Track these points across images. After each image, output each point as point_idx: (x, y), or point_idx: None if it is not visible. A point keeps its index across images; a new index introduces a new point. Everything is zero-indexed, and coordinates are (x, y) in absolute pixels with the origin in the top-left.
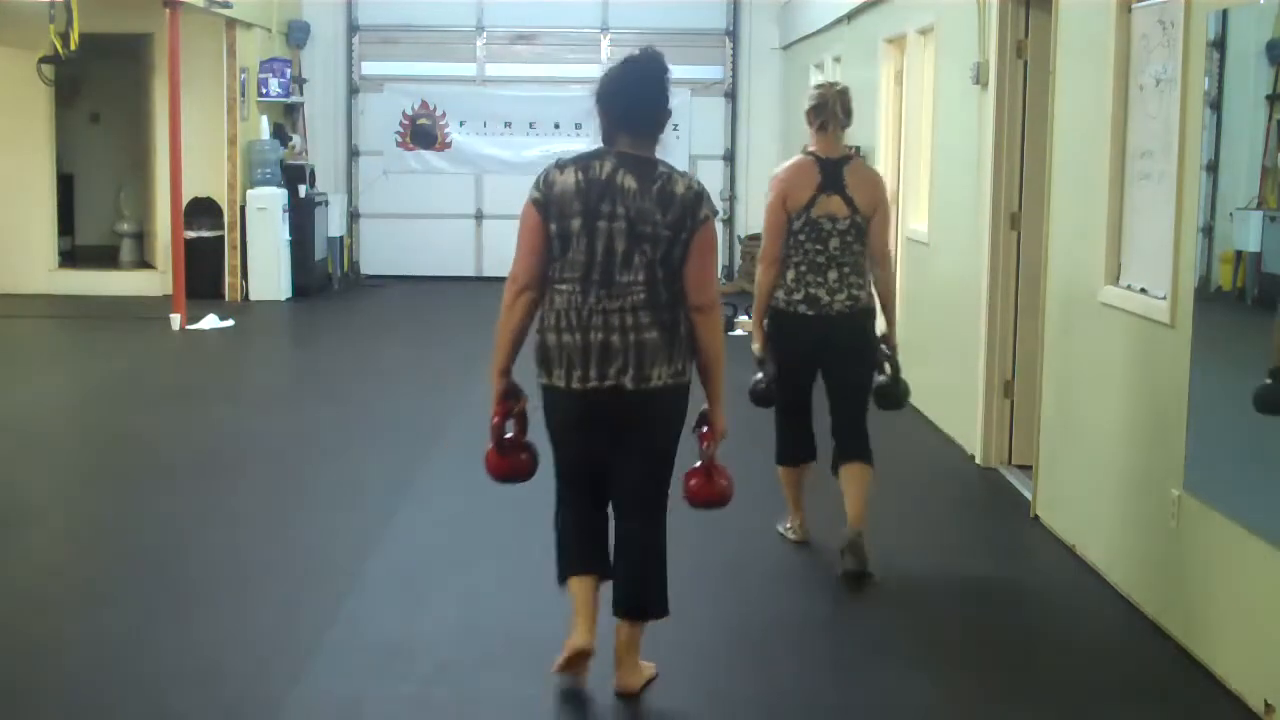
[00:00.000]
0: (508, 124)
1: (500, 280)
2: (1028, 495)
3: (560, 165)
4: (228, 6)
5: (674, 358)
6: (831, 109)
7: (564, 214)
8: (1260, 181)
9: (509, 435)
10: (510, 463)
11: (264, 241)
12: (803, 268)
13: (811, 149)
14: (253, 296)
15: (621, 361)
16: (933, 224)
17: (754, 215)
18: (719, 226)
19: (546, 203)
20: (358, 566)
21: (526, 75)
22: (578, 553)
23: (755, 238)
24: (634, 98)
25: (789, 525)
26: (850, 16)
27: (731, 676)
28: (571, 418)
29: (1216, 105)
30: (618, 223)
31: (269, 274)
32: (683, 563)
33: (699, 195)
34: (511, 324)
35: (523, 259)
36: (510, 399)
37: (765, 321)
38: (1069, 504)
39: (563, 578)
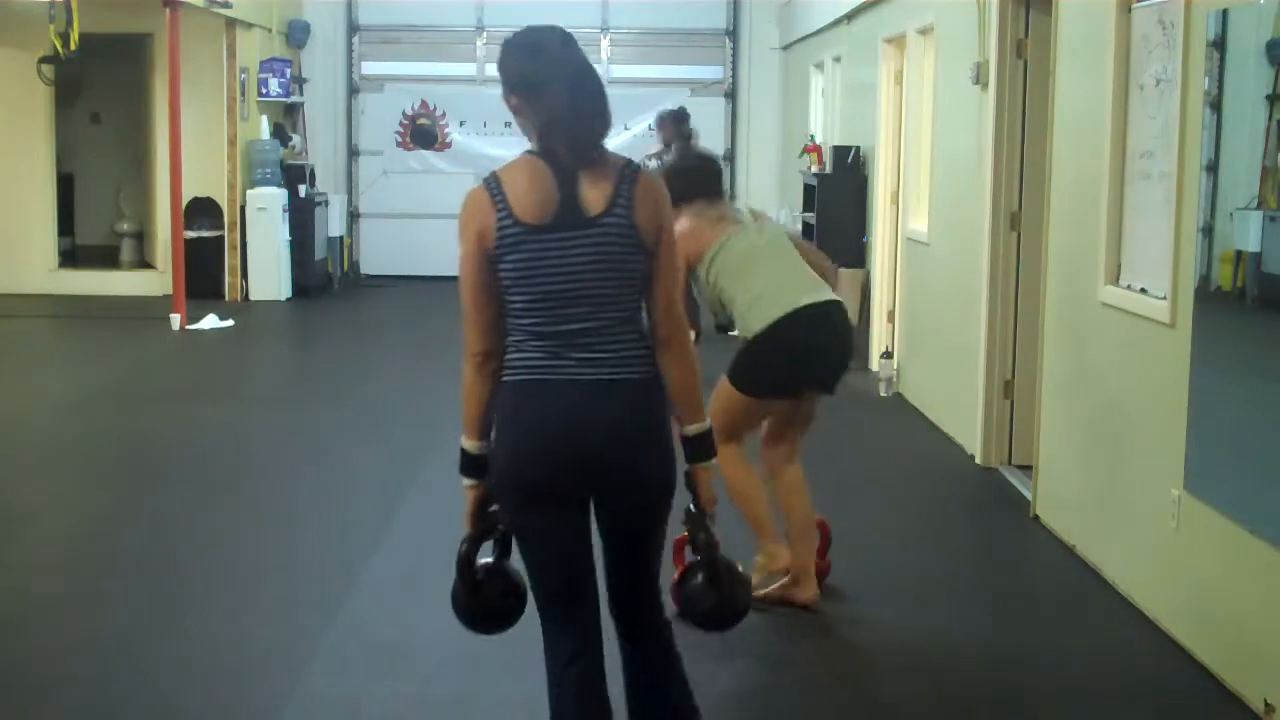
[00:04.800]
0: (508, 124)
1: None
2: (1028, 495)
3: None
4: (228, 6)
5: None
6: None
7: None
8: (1260, 181)
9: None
10: None
11: (264, 241)
12: None
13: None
14: (253, 296)
15: None
16: (933, 224)
17: None
18: None
19: None
20: (357, 566)
21: None
22: None
23: None
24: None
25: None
26: (850, 16)
27: (729, 679)
28: None
29: (1216, 105)
30: None
31: (269, 274)
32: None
33: None
34: None
35: None
36: None
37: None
38: (1069, 504)
39: None
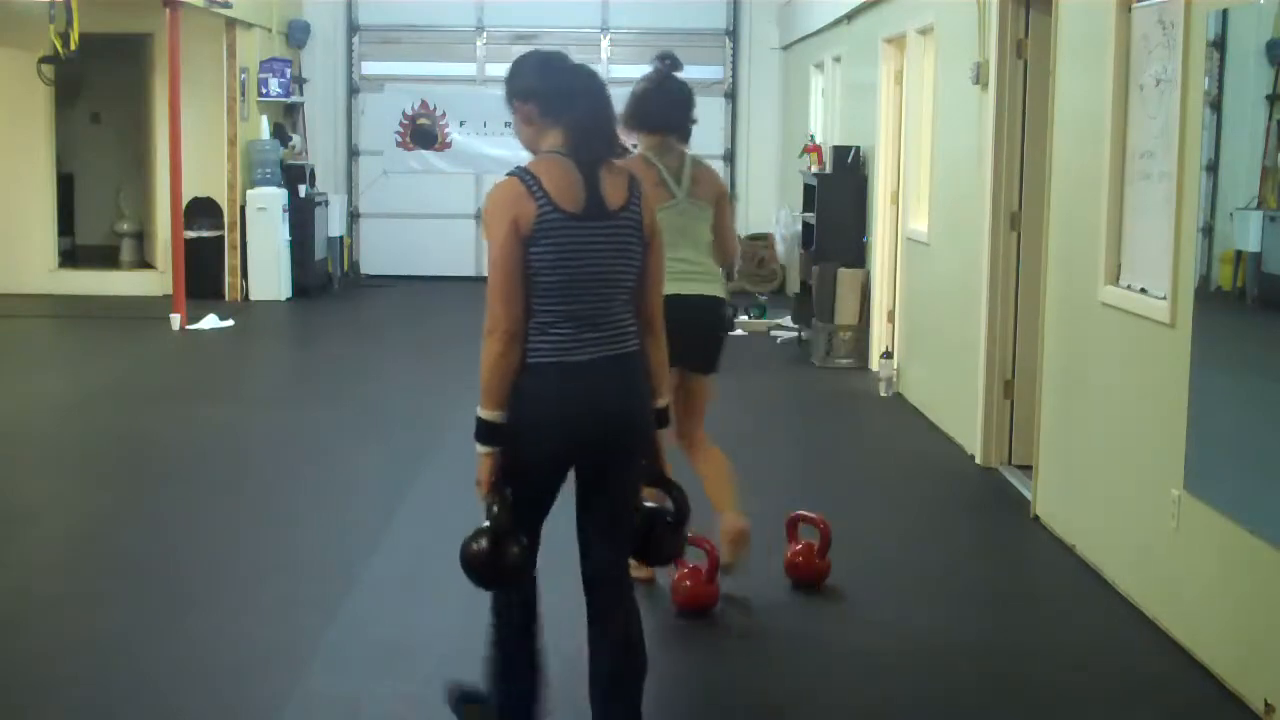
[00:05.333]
0: (508, 124)
1: None
2: (1028, 495)
3: None
4: (228, 6)
5: None
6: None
7: None
8: (1260, 181)
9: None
10: None
11: (264, 241)
12: None
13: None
14: (253, 296)
15: None
16: (933, 224)
17: (754, 215)
18: None
19: None
20: (357, 566)
21: None
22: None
23: (755, 238)
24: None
25: None
26: (850, 16)
27: (730, 679)
28: None
29: (1216, 105)
30: None
31: (269, 274)
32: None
33: None
34: None
35: None
36: None
37: None
38: (1069, 504)
39: None
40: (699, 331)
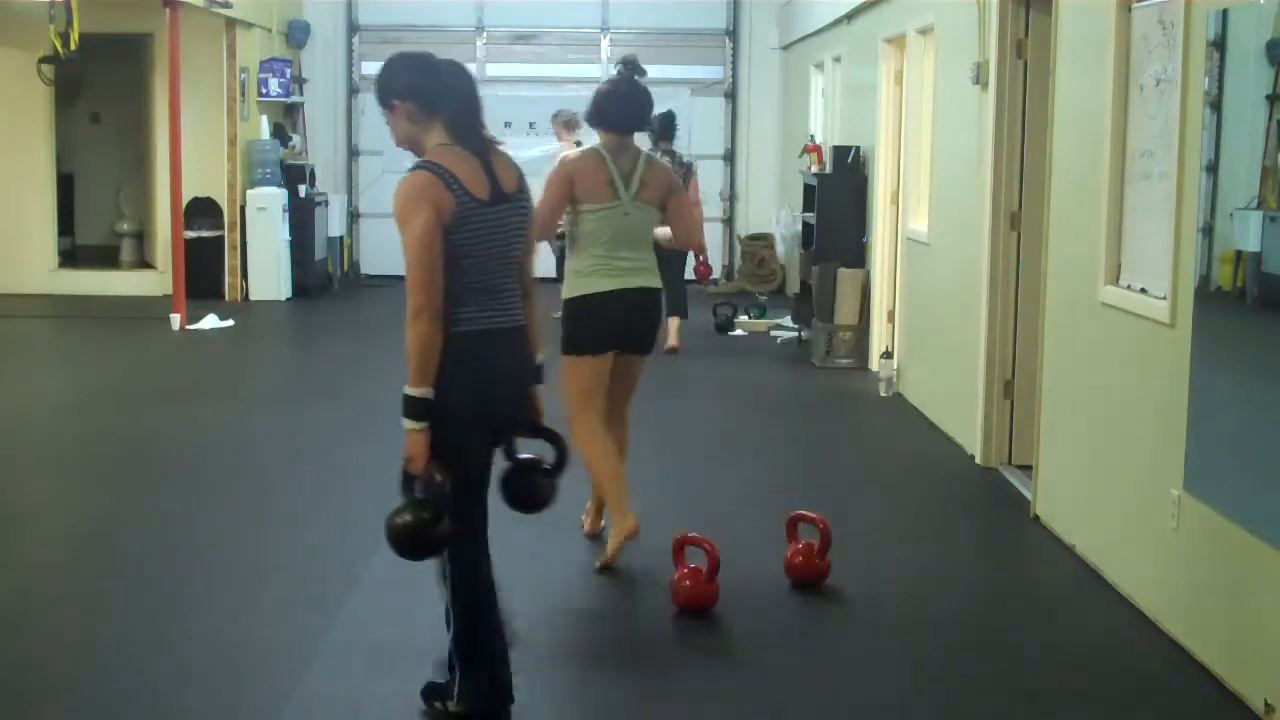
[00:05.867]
0: (508, 124)
1: None
2: (1028, 495)
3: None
4: (228, 6)
5: None
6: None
7: None
8: (1260, 181)
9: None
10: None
11: (264, 241)
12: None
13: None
14: (253, 296)
15: None
16: (933, 224)
17: (754, 215)
18: (718, 227)
19: None
20: (357, 566)
21: (526, 75)
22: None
23: (755, 238)
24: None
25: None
26: (850, 16)
27: (730, 679)
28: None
29: (1216, 105)
30: None
31: (269, 274)
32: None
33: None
34: None
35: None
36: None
37: None
38: (1069, 504)
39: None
40: (639, 321)
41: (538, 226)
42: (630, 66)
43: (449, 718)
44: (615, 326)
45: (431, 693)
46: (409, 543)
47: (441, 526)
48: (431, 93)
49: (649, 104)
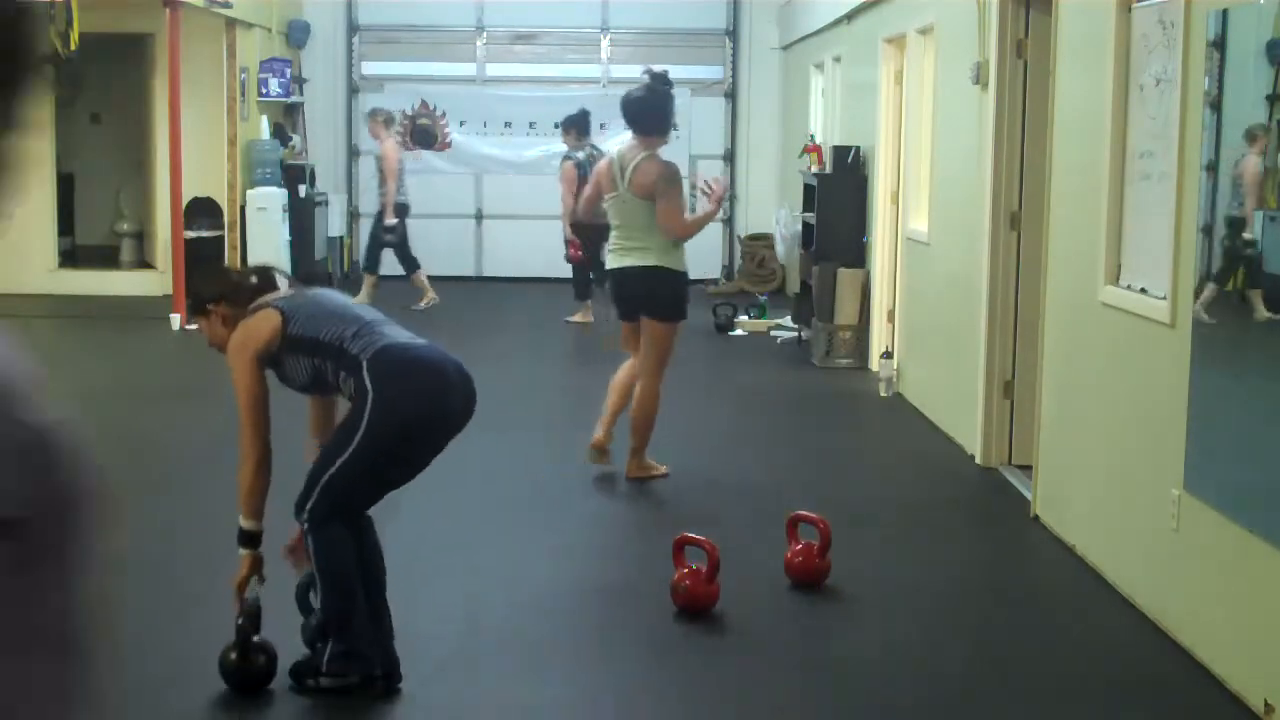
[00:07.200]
0: (508, 124)
1: (499, 280)
2: (1028, 495)
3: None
4: (228, 6)
5: None
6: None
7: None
8: (1260, 181)
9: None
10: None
11: (264, 241)
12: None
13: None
14: None
15: None
16: (933, 224)
17: (754, 215)
18: (718, 227)
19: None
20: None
21: (526, 75)
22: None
23: (755, 238)
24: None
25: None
26: (850, 16)
27: (730, 679)
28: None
29: (1216, 105)
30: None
31: None
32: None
33: None
34: None
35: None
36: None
37: None
38: (1069, 504)
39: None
40: (637, 290)
41: (583, 208)
42: (652, 76)
43: (320, 692)
44: (619, 296)
45: (303, 670)
46: (233, 682)
47: (257, 663)
48: (242, 292)
49: (654, 108)
